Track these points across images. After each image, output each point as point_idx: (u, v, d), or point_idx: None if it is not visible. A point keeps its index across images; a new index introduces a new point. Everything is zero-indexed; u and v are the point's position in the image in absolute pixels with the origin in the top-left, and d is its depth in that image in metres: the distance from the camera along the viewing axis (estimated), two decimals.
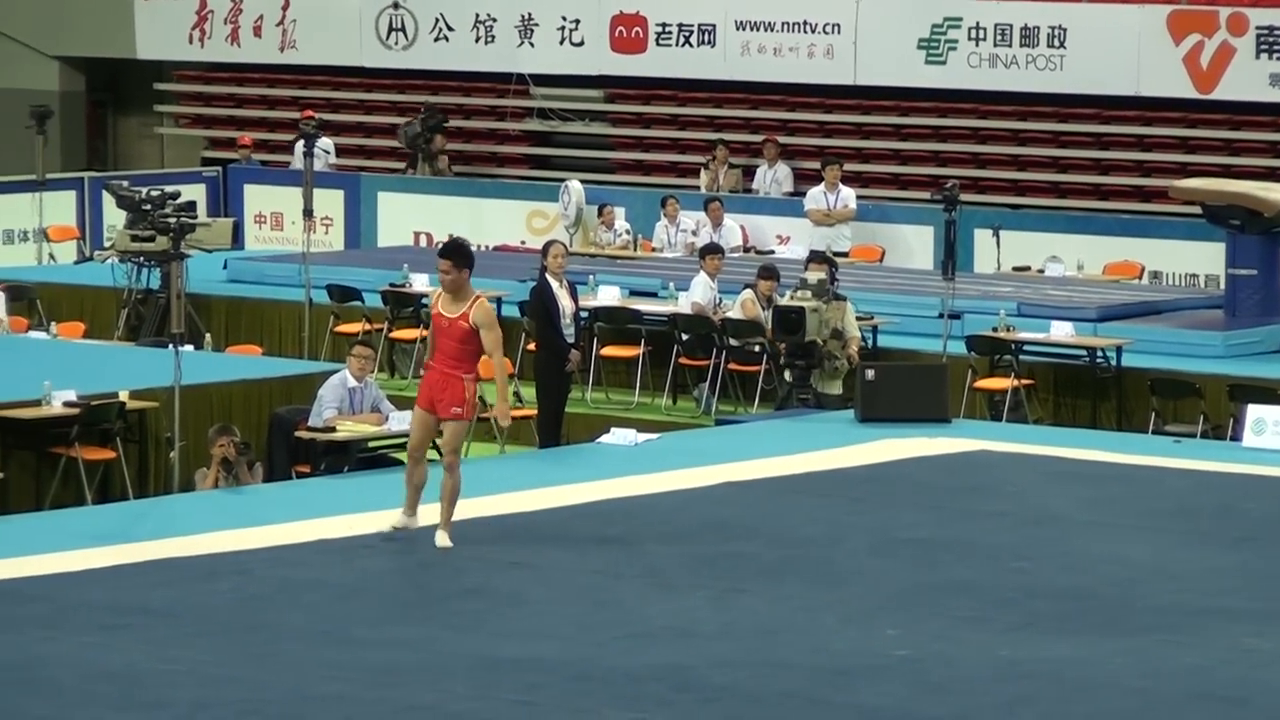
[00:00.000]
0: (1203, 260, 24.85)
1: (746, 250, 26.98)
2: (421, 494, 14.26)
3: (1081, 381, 20.97)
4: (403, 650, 11.90)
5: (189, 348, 18.87)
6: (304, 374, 19.48)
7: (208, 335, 22.64)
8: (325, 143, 29.88)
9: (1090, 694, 11.35)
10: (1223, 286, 23.17)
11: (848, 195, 27.17)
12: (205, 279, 24.56)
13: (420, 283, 23.83)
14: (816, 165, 29.73)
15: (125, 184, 25.14)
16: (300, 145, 25.90)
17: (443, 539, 14.07)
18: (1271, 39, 27.85)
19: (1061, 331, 21.12)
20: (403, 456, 17.58)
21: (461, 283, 14.46)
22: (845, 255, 25.87)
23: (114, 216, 26.55)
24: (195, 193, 28.64)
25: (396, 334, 23.59)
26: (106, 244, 27.01)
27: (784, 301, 20.02)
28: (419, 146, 30.08)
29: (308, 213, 24.02)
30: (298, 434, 17.30)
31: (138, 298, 23.84)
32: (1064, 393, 21.08)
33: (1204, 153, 28.04)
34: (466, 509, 15.33)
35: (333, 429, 17.09)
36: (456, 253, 14.70)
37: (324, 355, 22.71)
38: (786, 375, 19.96)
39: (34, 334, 22.23)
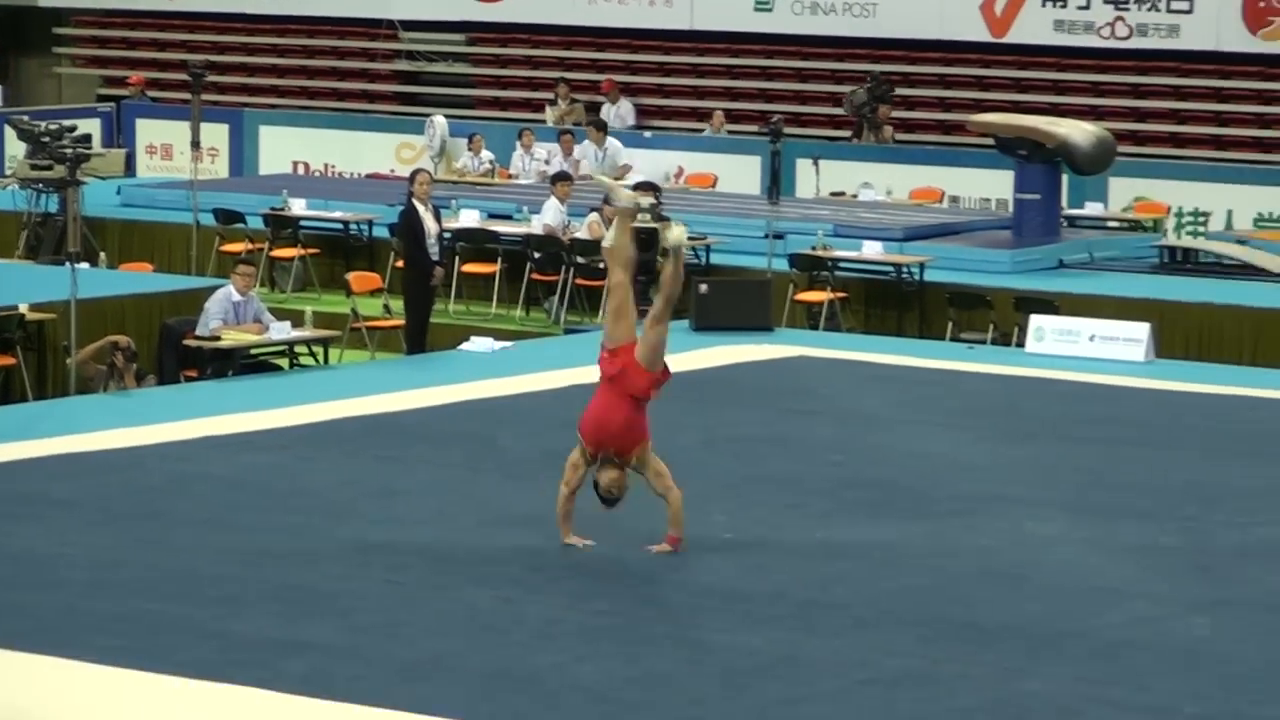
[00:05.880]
0: (994, 186, 25.06)
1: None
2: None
3: (889, 294, 21.11)
4: (282, 536, 11.86)
5: (85, 265, 18.67)
6: (192, 289, 19.34)
7: (102, 254, 22.43)
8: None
9: (894, 571, 11.47)
10: (1011, 210, 23.39)
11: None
12: (100, 204, 24.27)
13: (298, 207, 23.69)
14: (658, 102, 29.81)
15: (26, 119, 24.81)
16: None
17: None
18: None
19: (872, 250, 21.24)
20: (282, 363, 17.55)
21: None
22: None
23: (16, 148, 26.17)
24: (91, 127, 28.24)
25: (276, 253, 23.46)
26: (8, 173, 26.62)
27: (637, 223, 19.95)
28: (865, 115, 27.64)
29: (195, 144, 23.76)
30: (186, 342, 17.19)
31: (37, 221, 23.57)
32: (873, 305, 21.21)
33: (997, 90, 28.25)
34: (342, 409, 15.29)
35: (218, 338, 17.00)
36: None
37: (210, 272, 22.51)
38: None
39: None
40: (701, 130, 29.04)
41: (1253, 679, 9.81)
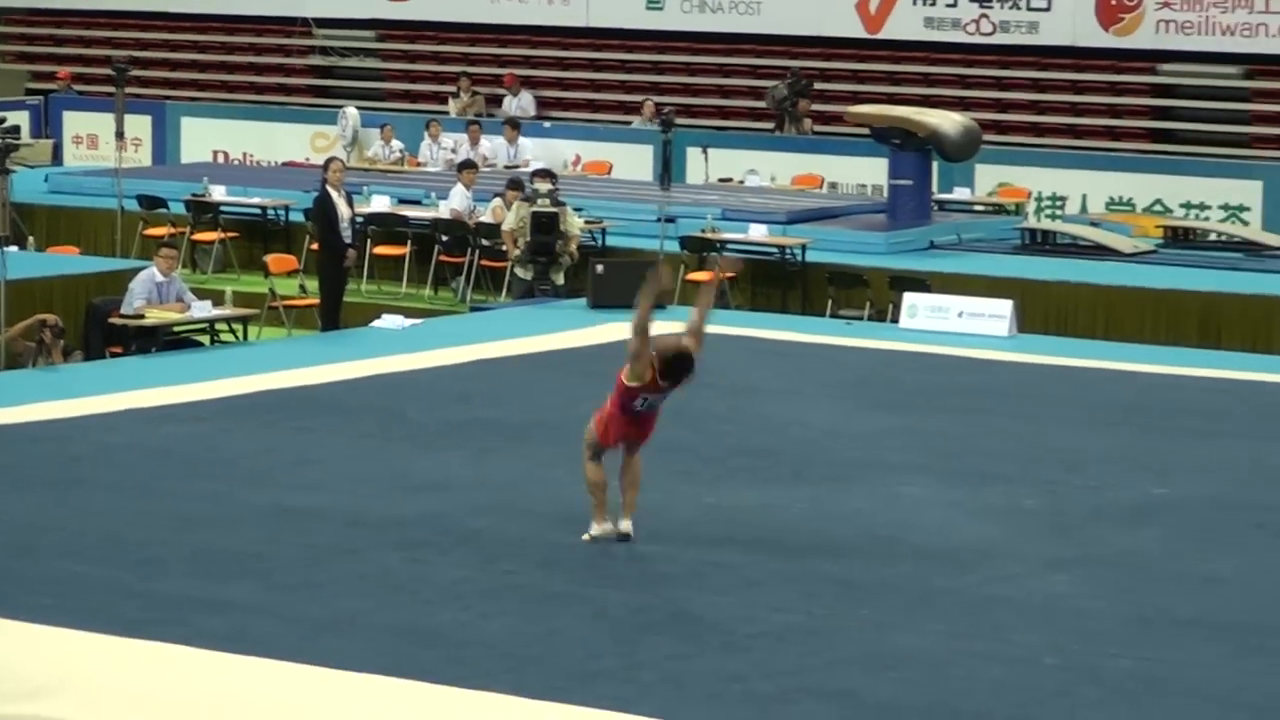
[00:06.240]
0: (870, 173, 25.16)
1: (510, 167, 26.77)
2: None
3: (773, 274, 21.14)
4: (202, 502, 11.74)
5: (14, 249, 18.45)
6: (117, 270, 19.15)
7: (31, 238, 22.19)
8: None
9: (778, 533, 11.47)
10: (885, 195, 23.47)
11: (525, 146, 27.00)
12: (29, 191, 24.01)
13: (218, 193, 23.51)
14: (557, 95, 29.77)
15: None
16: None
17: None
18: None
19: (758, 232, 21.27)
20: (203, 339, 17.39)
21: None
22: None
23: None
24: (20, 119, 27.94)
25: (197, 236, 23.29)
26: None
27: (539, 207, 19.94)
28: (785, 109, 27.39)
29: (119, 134, 23.55)
30: (111, 320, 17.01)
31: None
32: (759, 284, 21.23)
33: (871, 83, 28.34)
34: (260, 383, 15.15)
35: (142, 316, 16.84)
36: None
37: (134, 255, 22.30)
38: (519, 271, 19.90)
39: None
40: (600, 120, 29.01)
41: (1106, 632, 9.88)
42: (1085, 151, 26.37)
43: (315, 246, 20.03)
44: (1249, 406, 15.24)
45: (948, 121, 22.88)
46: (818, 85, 28.76)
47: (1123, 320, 19.32)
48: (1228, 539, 11.53)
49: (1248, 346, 18.47)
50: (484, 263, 21.56)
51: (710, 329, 17.82)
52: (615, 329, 17.58)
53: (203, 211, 23.26)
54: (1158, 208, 24.61)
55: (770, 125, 27.90)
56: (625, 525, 11.01)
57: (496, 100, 29.83)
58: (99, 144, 29.68)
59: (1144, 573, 10.85)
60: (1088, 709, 8.87)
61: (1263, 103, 26.81)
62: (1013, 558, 11.05)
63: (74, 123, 30.41)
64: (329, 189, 18.79)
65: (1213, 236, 22.98)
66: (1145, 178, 24.82)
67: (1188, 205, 24.54)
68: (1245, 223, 24.01)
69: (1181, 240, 22.74)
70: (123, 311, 16.98)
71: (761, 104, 28.97)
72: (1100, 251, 21.72)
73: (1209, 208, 24.42)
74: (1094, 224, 23.25)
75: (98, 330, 17.32)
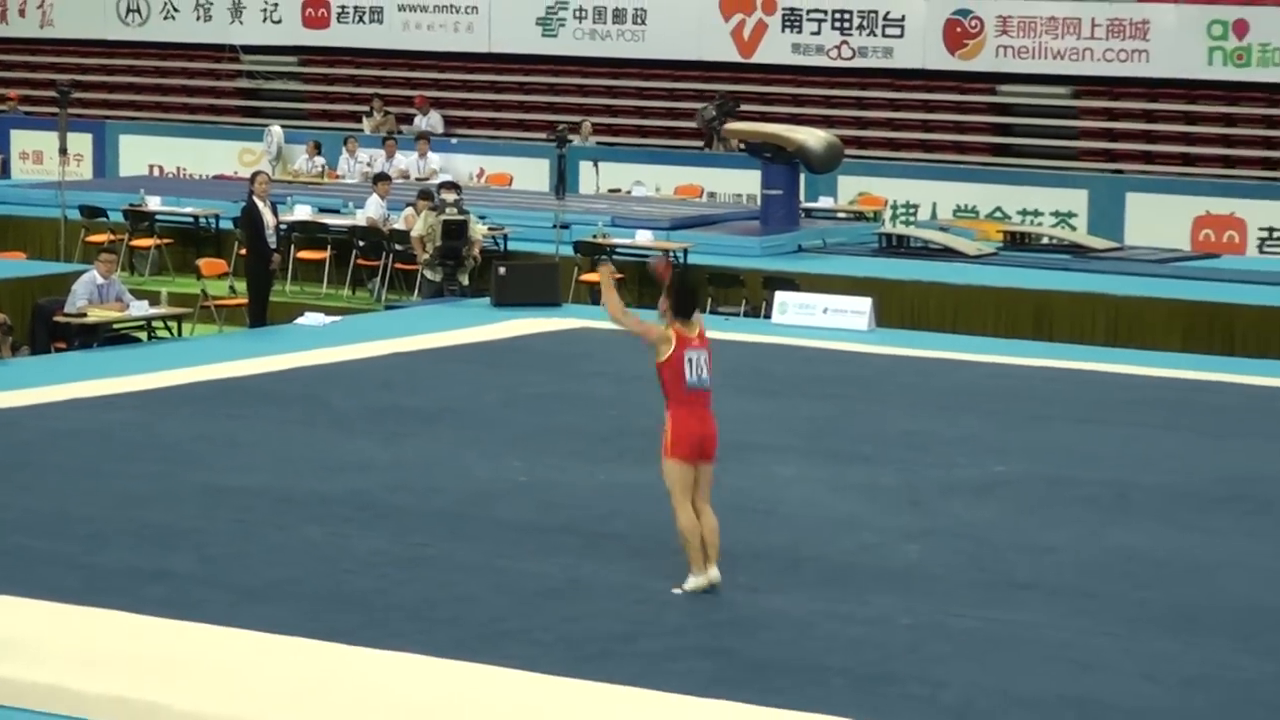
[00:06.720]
0: (745, 184, 25.25)
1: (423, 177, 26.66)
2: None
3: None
4: (143, 481, 11.63)
5: None
6: (61, 273, 18.97)
7: None
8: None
9: (661, 507, 11.42)
10: (759, 203, 23.57)
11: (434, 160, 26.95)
12: None
13: (154, 203, 23.29)
14: (462, 114, 29.69)
15: None
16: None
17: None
18: (793, 18, 28.36)
19: (644, 237, 21.29)
20: (140, 336, 17.21)
21: None
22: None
23: None
24: None
25: (135, 242, 23.10)
26: None
27: (448, 215, 19.89)
28: (714, 129, 27.02)
29: (63, 150, 23.28)
30: (56, 319, 16.82)
31: None
32: (646, 283, 21.16)
33: (746, 103, 28.44)
34: (194, 375, 15.01)
35: (84, 315, 16.65)
36: None
37: (76, 259, 22.03)
38: (428, 273, 19.87)
39: None
40: (501, 136, 28.97)
41: (954, 595, 9.99)
42: (934, 164, 26.60)
43: (243, 251, 19.87)
44: (1077, 392, 15.44)
45: (813, 138, 23.00)
46: (696, 105, 28.86)
47: (968, 315, 19.51)
48: (1060, 512, 11.68)
49: (1075, 338, 18.73)
50: (397, 266, 21.49)
51: (601, 325, 17.91)
52: (516, 325, 17.61)
53: (140, 220, 23.05)
54: (998, 214, 24.87)
55: (699, 143, 27.95)
56: (713, 573, 9.68)
57: (407, 119, 29.72)
58: (44, 159, 29.34)
59: (987, 542, 10.97)
60: (937, 663, 8.96)
61: (1088, 120, 27.16)
62: (871, 529, 11.14)
63: (21, 140, 30.09)
64: (255, 199, 18.65)
65: (1045, 240, 23.25)
66: (987, 187, 25.09)
67: (1024, 212, 24.82)
68: (1073, 228, 24.30)
69: (1018, 244, 22.98)
70: (66, 311, 16.79)
71: (646, 122, 29.04)
72: (948, 254, 21.91)
73: (1042, 214, 24.70)
74: (943, 229, 23.45)
75: (43, 328, 17.11)
